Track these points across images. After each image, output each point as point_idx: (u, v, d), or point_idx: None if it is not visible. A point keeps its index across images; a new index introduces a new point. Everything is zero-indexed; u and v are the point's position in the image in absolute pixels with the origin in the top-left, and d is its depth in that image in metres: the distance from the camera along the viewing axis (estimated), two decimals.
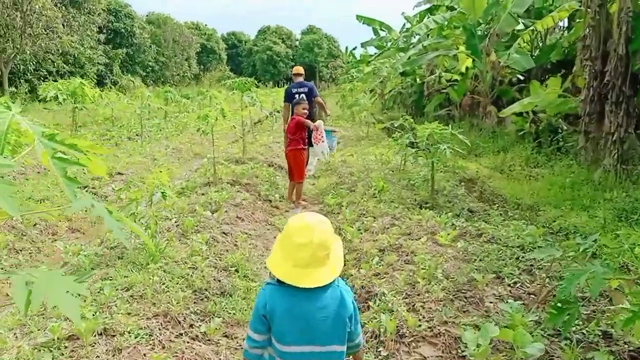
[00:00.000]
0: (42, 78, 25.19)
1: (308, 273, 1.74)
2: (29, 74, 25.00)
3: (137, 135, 13.47)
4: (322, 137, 6.68)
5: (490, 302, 3.35)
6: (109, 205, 1.65)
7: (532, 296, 3.57)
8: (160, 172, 4.20)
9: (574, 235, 5.89)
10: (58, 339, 2.80)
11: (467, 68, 14.54)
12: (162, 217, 5.31)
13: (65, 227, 5.76)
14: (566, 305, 3.01)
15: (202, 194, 6.41)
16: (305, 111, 6.92)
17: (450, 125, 14.97)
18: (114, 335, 2.81)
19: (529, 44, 12.46)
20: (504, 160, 10.32)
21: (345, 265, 4.29)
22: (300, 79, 9.02)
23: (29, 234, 5.18)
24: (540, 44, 13.56)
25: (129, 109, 12.38)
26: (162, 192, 4.07)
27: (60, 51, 24.71)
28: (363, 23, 22.43)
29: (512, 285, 3.69)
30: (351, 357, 2.05)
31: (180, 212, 5.48)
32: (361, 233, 4.88)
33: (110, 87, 31.74)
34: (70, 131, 8.47)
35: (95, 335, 2.79)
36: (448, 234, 4.30)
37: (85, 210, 6.20)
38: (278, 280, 1.81)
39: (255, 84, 9.98)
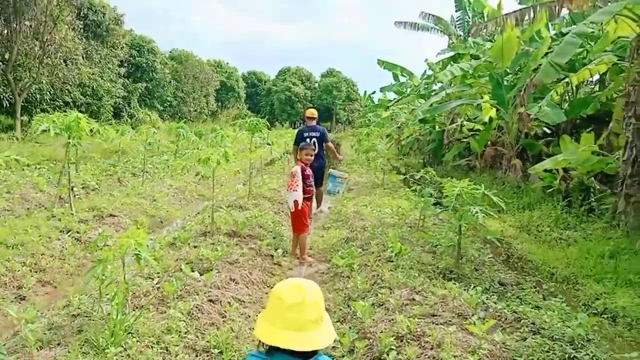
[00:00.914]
0: (57, 108, 25.04)
1: (303, 336, 1.57)
2: (44, 104, 24.86)
3: (144, 171, 12.93)
4: (296, 185, 6.10)
5: None
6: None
7: None
8: (138, 228, 3.48)
9: (624, 320, 5.04)
10: None
11: (490, 118, 13.90)
12: (144, 275, 4.58)
13: (35, 279, 5.03)
14: None
15: (195, 247, 5.67)
16: (310, 157, 6.46)
17: (470, 177, 14.22)
18: None
19: (561, 96, 11.78)
20: (530, 220, 9.48)
21: (354, 354, 3.49)
22: (313, 122, 8.76)
23: None
24: (570, 98, 12.91)
25: (134, 144, 11.88)
26: (136, 254, 3.35)
27: (79, 82, 24.60)
28: (384, 68, 22.11)
29: None
30: None
31: (165, 271, 4.73)
32: (374, 310, 4.08)
33: (126, 120, 31.74)
34: (63, 167, 7.85)
35: None
36: (483, 323, 3.48)
37: (61, 259, 5.48)
38: (269, 351, 1.64)
39: (267, 125, 9.37)
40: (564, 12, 10.73)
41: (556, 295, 5.29)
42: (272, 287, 4.97)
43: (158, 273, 4.66)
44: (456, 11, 22.67)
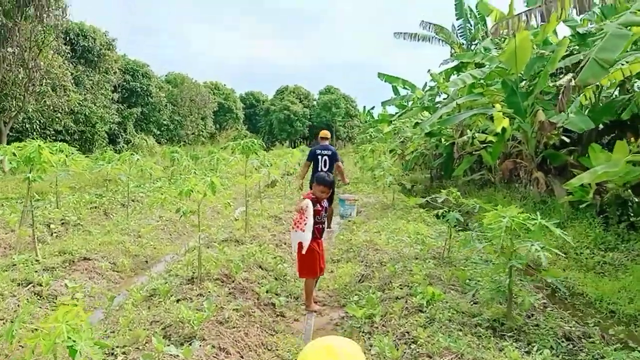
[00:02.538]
0: (49, 137, 24.16)
1: None
2: (35, 133, 23.98)
3: (133, 200, 11.88)
4: (304, 224, 4.89)
5: None
6: None
7: None
8: (75, 305, 2.41)
9: None
10: None
11: (503, 129, 12.90)
12: (105, 352, 3.50)
13: None
14: None
15: (178, 300, 4.58)
16: (324, 196, 5.24)
17: (485, 192, 13.13)
18: None
19: (593, 100, 10.77)
20: (565, 240, 8.38)
21: None
22: (327, 142, 9.12)
23: None
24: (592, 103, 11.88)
25: (126, 172, 10.82)
26: (69, 347, 2.30)
27: (70, 110, 23.71)
28: (385, 81, 21.20)
29: None
30: None
31: (134, 342, 3.64)
32: None
33: (122, 147, 30.84)
34: (25, 205, 6.79)
35: None
36: None
37: (13, 322, 4.42)
38: None
39: (263, 146, 8.37)
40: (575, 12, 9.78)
41: (631, 346, 4.22)
42: (273, 350, 3.87)
43: (124, 347, 3.57)
44: (457, 19, 21.83)
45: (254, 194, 11.82)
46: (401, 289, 4.98)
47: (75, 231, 8.86)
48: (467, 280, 5.01)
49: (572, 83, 7.56)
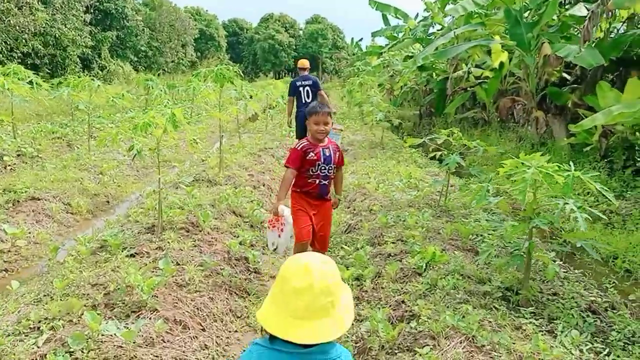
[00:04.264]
0: (17, 60, 22.53)
1: (308, 326, 1.29)
2: (1, 55, 22.30)
3: (101, 131, 10.94)
4: (282, 226, 3.83)
5: None
6: None
7: None
8: None
9: None
10: None
11: (501, 64, 12.01)
12: (28, 326, 2.79)
13: None
14: None
15: (131, 256, 3.86)
16: (323, 128, 3.68)
17: (477, 131, 12.43)
18: None
19: (605, 33, 9.87)
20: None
21: None
22: (305, 72, 8.57)
23: None
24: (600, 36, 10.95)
25: (96, 100, 9.72)
26: None
27: (37, 31, 21.99)
28: (376, 9, 19.74)
29: None
30: None
31: (67, 313, 2.92)
32: None
33: (97, 73, 29.21)
34: None
35: None
36: None
37: None
38: (270, 338, 1.37)
39: (240, 74, 7.42)
40: None
41: None
42: (245, 317, 3.27)
43: (53, 320, 2.86)
44: None
45: (233, 129, 10.95)
46: (394, 243, 4.31)
47: (33, 164, 8.00)
48: (471, 236, 4.37)
49: (600, 9, 6.63)
